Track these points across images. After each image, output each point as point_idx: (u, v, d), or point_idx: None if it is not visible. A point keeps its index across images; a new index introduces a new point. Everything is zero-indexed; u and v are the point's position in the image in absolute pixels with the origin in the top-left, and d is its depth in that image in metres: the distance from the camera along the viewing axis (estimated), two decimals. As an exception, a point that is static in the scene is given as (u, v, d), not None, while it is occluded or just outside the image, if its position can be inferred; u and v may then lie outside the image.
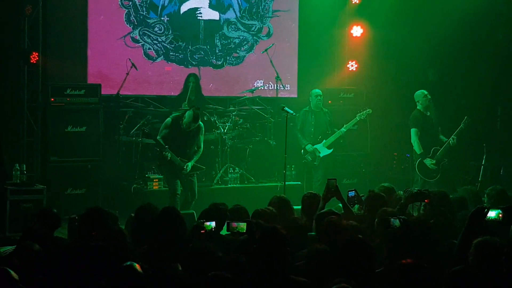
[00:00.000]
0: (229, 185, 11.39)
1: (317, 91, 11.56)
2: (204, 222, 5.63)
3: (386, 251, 5.23)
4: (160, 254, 5.23)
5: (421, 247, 5.21)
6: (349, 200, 6.98)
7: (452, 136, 10.63)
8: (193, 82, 11.58)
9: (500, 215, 5.16)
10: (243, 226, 5.43)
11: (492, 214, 5.18)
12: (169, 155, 9.62)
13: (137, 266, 4.44)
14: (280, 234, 4.84)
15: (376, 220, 6.06)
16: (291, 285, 4.67)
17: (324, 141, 11.45)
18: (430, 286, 4.36)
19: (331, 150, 11.50)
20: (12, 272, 4.37)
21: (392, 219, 5.56)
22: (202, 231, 5.56)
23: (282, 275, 4.69)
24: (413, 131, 10.77)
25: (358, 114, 11.60)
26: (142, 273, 4.43)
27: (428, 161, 10.61)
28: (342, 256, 4.69)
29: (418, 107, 10.86)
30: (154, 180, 10.90)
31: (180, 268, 4.85)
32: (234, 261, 4.85)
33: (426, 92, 10.87)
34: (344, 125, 11.51)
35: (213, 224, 5.63)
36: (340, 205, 6.84)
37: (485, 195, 7.36)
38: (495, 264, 4.62)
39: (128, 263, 4.46)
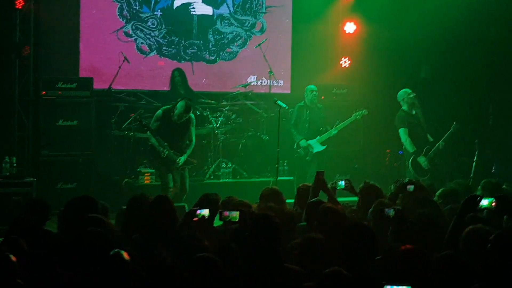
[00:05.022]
0: (221, 180, 11.35)
1: (312, 86, 11.54)
2: (197, 209, 5.59)
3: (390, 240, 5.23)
4: (150, 242, 5.20)
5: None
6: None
7: (441, 142, 10.61)
8: (177, 76, 11.58)
9: (493, 204, 5.14)
10: (235, 215, 5.37)
11: (485, 202, 5.15)
12: (166, 152, 9.59)
13: (124, 254, 4.40)
14: (272, 222, 4.81)
15: (370, 210, 6.05)
16: (285, 273, 4.64)
17: (318, 137, 11.44)
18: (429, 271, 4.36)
19: (325, 146, 11.49)
20: (12, 257, 4.35)
21: (386, 209, 5.55)
22: (194, 219, 5.51)
23: (275, 263, 4.65)
24: (401, 131, 10.67)
25: (354, 114, 11.56)
26: (129, 261, 4.39)
27: (422, 159, 10.58)
28: (345, 242, 4.65)
29: (403, 107, 10.75)
30: (146, 174, 10.86)
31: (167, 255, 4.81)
32: (225, 248, 4.81)
33: (409, 91, 10.79)
34: (337, 125, 11.49)
35: (205, 212, 5.59)
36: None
37: (479, 188, 7.32)
38: (485, 251, 4.60)
39: (115, 250, 4.42)
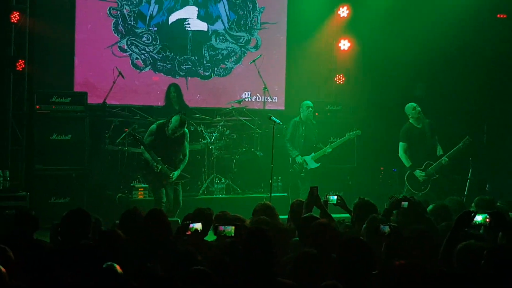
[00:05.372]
0: (215, 196, 11.30)
1: (309, 102, 11.59)
2: (189, 223, 5.55)
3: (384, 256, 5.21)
4: (144, 255, 5.17)
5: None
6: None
7: (444, 158, 10.62)
8: (173, 92, 11.60)
9: (487, 219, 5.13)
10: (230, 229, 5.35)
11: (478, 218, 5.15)
12: (159, 166, 9.56)
13: (117, 267, 4.38)
14: (266, 235, 4.79)
15: (364, 226, 6.03)
16: (278, 287, 4.61)
17: (313, 154, 11.46)
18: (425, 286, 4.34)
19: (319, 164, 11.52)
20: (1, 268, 4.33)
21: (381, 226, 5.53)
22: (187, 233, 5.48)
23: (268, 276, 4.63)
24: (400, 145, 10.77)
25: (348, 134, 11.60)
26: (122, 274, 4.36)
27: (418, 173, 10.60)
28: (342, 256, 4.64)
29: (410, 120, 10.88)
30: (139, 189, 10.82)
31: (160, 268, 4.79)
32: (219, 262, 4.78)
33: (415, 105, 10.92)
34: (331, 143, 11.52)
35: (198, 225, 5.56)
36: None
37: (473, 205, 7.31)
38: (478, 267, 4.59)
39: (108, 263, 4.40)
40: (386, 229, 5.46)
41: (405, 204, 6.70)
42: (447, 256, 4.95)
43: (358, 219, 6.60)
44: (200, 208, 6.45)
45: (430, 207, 7.15)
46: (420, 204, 6.96)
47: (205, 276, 4.36)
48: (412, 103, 10.96)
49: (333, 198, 7.12)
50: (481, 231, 5.80)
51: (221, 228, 5.35)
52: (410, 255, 5.17)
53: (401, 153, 10.75)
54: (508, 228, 5.24)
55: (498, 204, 7.74)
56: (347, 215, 7.25)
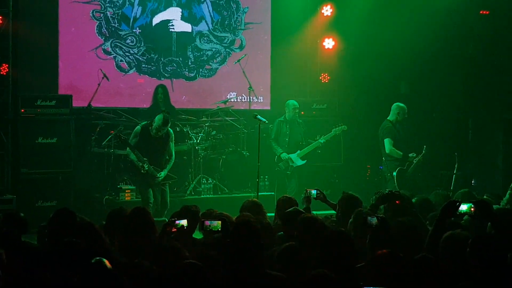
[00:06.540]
0: (202, 196, 11.30)
1: (295, 103, 11.56)
2: (175, 220, 5.55)
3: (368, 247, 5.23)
4: (130, 251, 5.17)
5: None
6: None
7: (414, 164, 10.67)
8: (161, 93, 11.59)
9: (472, 209, 5.18)
10: (216, 224, 5.34)
11: (464, 207, 5.19)
12: (146, 166, 9.55)
13: (106, 262, 4.37)
14: (253, 227, 4.80)
15: (350, 220, 6.04)
16: (267, 280, 4.62)
17: (299, 151, 11.48)
18: (407, 275, 4.36)
19: (305, 161, 11.54)
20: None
21: (369, 218, 5.54)
22: (173, 230, 5.47)
23: (257, 269, 4.63)
24: (387, 141, 10.76)
25: (334, 129, 11.62)
26: (111, 269, 4.36)
27: (410, 169, 10.64)
28: (325, 249, 4.67)
29: (391, 118, 10.87)
30: (126, 191, 10.81)
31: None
32: (205, 257, 4.79)
33: (405, 108, 10.92)
34: (318, 139, 11.53)
35: (184, 222, 5.55)
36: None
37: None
38: (463, 256, 4.62)
39: (97, 258, 4.39)
40: (374, 220, 5.47)
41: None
42: (432, 245, 4.98)
43: (343, 214, 6.62)
44: (187, 205, 6.46)
45: (413, 200, 7.19)
46: (406, 198, 7.00)
47: (197, 269, 4.36)
48: (404, 106, 10.95)
49: (314, 192, 7.21)
50: (461, 221, 5.84)
51: (207, 223, 5.34)
52: (395, 247, 5.18)
53: (391, 148, 10.71)
54: (492, 218, 5.28)
55: (484, 197, 7.80)
56: (333, 211, 7.28)
